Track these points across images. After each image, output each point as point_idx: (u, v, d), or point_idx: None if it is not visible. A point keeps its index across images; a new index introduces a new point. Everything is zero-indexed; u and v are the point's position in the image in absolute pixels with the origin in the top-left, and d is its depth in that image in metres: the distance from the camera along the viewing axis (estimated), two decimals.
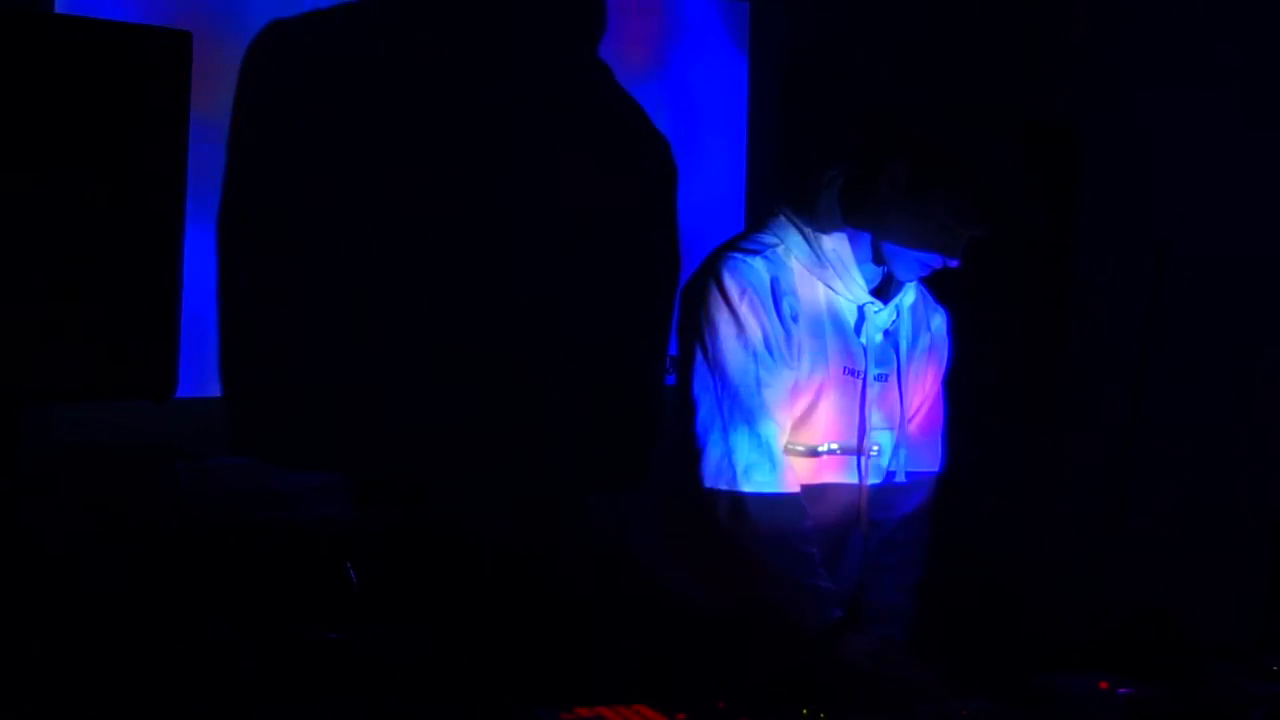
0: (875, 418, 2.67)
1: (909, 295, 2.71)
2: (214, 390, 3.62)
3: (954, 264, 2.57)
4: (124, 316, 2.68)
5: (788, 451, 2.58)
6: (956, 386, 2.84)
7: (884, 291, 2.66)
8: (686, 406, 2.57)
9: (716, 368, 2.54)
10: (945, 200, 2.48)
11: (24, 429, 3.05)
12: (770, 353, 2.54)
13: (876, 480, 2.70)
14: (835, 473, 2.65)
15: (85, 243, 2.64)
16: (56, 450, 3.23)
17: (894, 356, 2.69)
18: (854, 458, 2.66)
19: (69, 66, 2.60)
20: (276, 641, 3.08)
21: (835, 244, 2.59)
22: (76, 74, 2.60)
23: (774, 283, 2.56)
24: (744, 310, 2.54)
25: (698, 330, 2.57)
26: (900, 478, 2.73)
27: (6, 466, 2.94)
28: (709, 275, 2.58)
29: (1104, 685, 2.43)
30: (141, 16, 3.32)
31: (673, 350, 2.69)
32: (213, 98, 3.54)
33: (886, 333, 2.68)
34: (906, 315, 2.72)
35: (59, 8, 3.34)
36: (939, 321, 2.80)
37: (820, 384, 2.61)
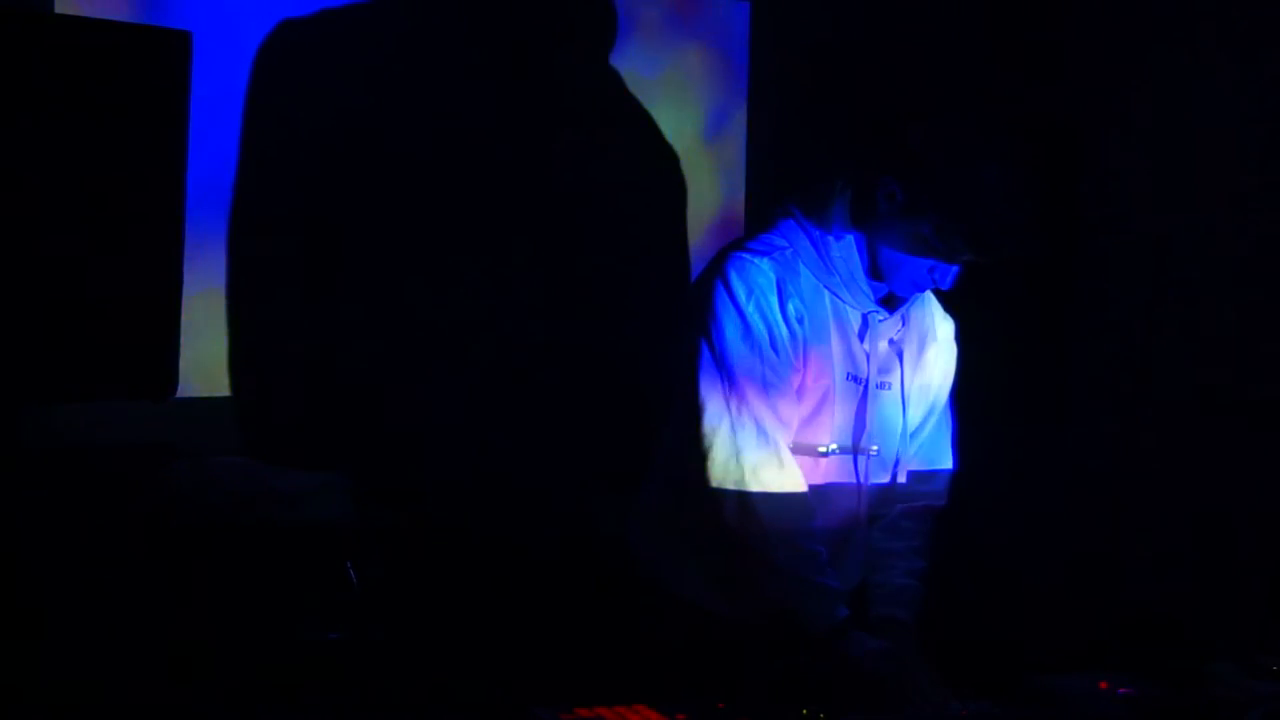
0: (876, 425, 2.67)
1: (916, 305, 2.71)
2: (214, 390, 3.62)
3: (945, 286, 2.57)
4: (124, 316, 2.68)
5: (791, 451, 2.59)
6: (957, 386, 2.84)
7: (890, 301, 2.66)
8: (693, 406, 2.57)
9: (723, 367, 2.55)
10: (935, 226, 2.49)
11: (24, 429, 3.04)
12: (776, 352, 2.55)
13: (876, 482, 2.70)
14: (836, 474, 2.66)
15: (85, 242, 2.63)
16: (56, 450, 3.23)
17: (898, 365, 2.69)
18: (855, 460, 2.67)
19: (69, 66, 2.59)
20: (277, 641, 3.08)
21: (843, 251, 2.60)
22: (76, 74, 2.60)
23: (780, 284, 2.57)
24: (750, 310, 2.54)
25: (704, 329, 2.57)
26: (901, 479, 2.74)
27: (6, 466, 2.94)
28: (716, 274, 2.59)
29: (1104, 685, 2.44)
30: (141, 17, 3.32)
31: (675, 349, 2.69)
32: (213, 98, 3.54)
33: (891, 341, 2.68)
34: (913, 325, 2.72)
35: (59, 8, 3.34)
36: (947, 332, 2.80)
37: (825, 388, 2.61)
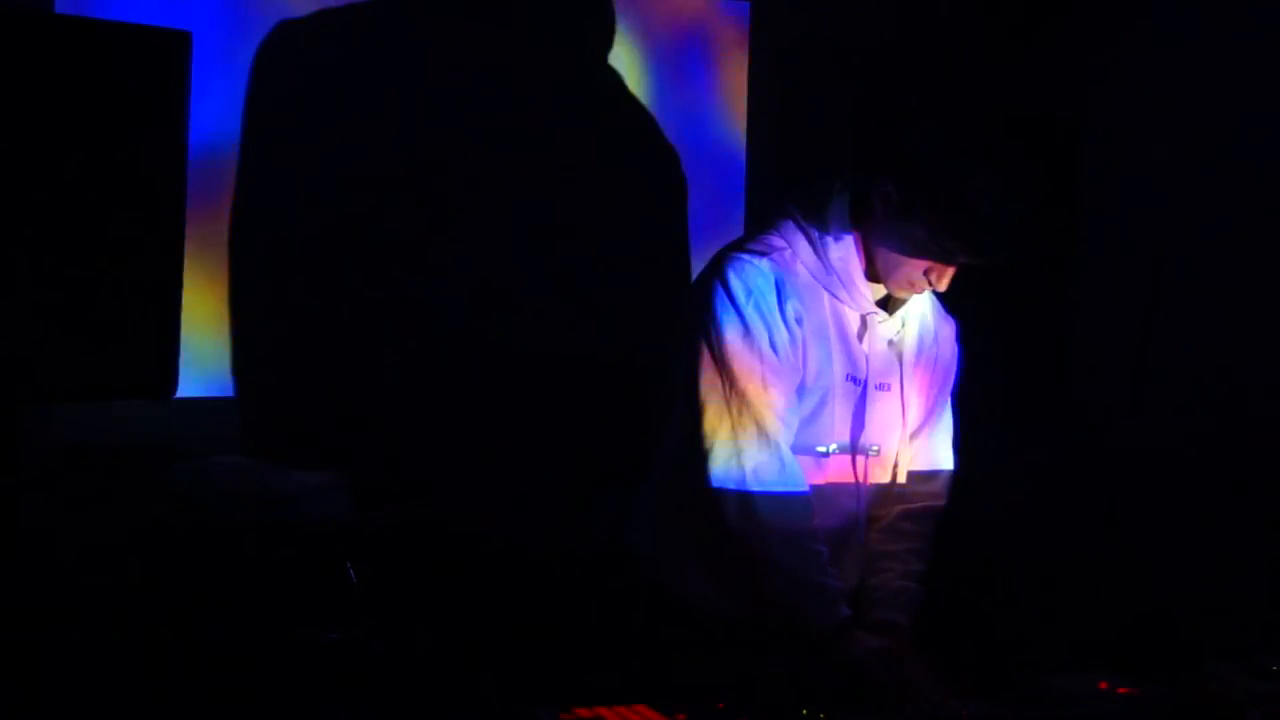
0: (875, 426, 2.67)
1: (916, 306, 2.71)
2: (214, 390, 3.62)
3: (941, 288, 2.58)
4: (124, 316, 2.68)
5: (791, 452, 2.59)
6: (957, 386, 2.84)
7: (889, 302, 2.66)
8: (693, 407, 2.57)
9: (724, 368, 2.55)
10: (930, 228, 2.49)
11: (24, 429, 3.04)
12: (776, 353, 2.55)
13: (876, 482, 2.70)
14: (836, 474, 2.66)
15: (85, 242, 2.63)
16: (56, 450, 3.23)
17: (897, 366, 2.69)
18: (854, 460, 2.67)
19: (69, 66, 2.59)
20: (276, 641, 3.08)
21: (842, 253, 2.60)
22: (76, 74, 2.60)
23: (779, 285, 2.57)
24: (749, 311, 2.54)
25: (704, 331, 2.57)
26: (901, 479, 2.74)
27: (6, 466, 2.94)
28: (715, 276, 2.59)
29: (1104, 685, 2.44)
30: (141, 16, 3.32)
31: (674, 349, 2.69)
32: (213, 98, 3.54)
33: (890, 342, 2.68)
34: (913, 326, 2.72)
35: (59, 8, 3.34)
36: (948, 333, 2.80)
37: (824, 389, 2.61)
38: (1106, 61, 4.30)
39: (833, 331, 2.61)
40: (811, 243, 2.61)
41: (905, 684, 2.43)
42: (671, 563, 2.69)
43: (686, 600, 2.66)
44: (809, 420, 2.62)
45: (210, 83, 3.50)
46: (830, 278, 2.60)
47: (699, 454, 2.56)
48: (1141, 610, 3.80)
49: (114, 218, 2.67)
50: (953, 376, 2.81)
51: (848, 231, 2.60)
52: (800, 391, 2.60)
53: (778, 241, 2.62)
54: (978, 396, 2.89)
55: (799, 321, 2.58)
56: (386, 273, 3.80)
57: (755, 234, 2.67)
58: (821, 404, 2.62)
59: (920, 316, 2.74)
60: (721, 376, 2.55)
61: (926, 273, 2.56)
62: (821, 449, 2.63)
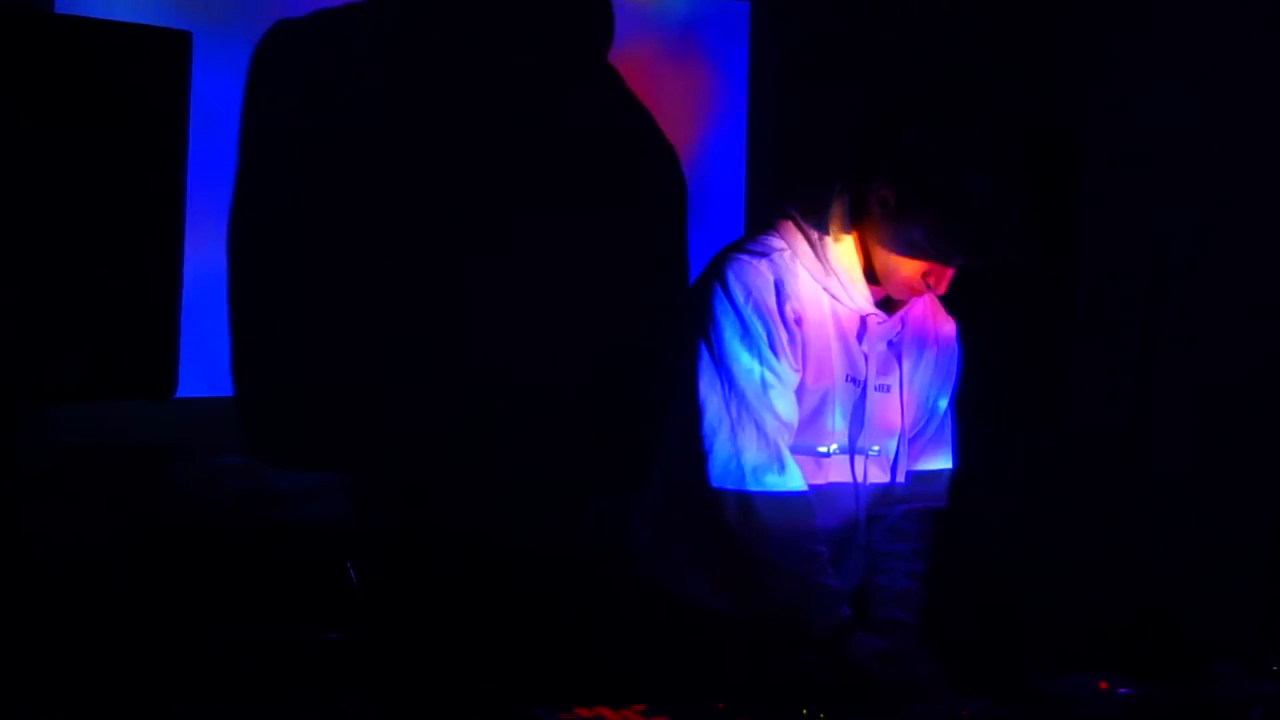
0: (875, 426, 2.67)
1: (915, 306, 2.71)
2: (214, 390, 3.62)
3: (939, 290, 2.58)
4: (124, 316, 2.68)
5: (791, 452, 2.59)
6: (957, 386, 2.84)
7: (889, 303, 2.67)
8: (693, 407, 2.57)
9: (723, 369, 2.55)
10: (926, 230, 2.49)
11: (24, 429, 3.05)
12: (775, 354, 2.55)
13: (875, 483, 2.70)
14: (836, 474, 2.66)
15: (85, 242, 2.64)
16: (56, 450, 3.23)
17: (897, 367, 2.69)
18: (854, 460, 2.67)
19: (69, 66, 2.60)
20: (276, 641, 3.08)
21: (841, 254, 2.60)
22: (76, 74, 2.60)
23: (778, 285, 2.57)
24: (749, 312, 2.55)
25: (704, 331, 2.57)
26: (900, 479, 2.74)
27: (6, 466, 2.94)
28: (714, 277, 2.59)
29: (1104, 685, 2.44)
30: (141, 16, 3.32)
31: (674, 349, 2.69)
32: (213, 98, 3.54)
33: (890, 343, 2.68)
34: (913, 326, 2.72)
35: (59, 8, 3.34)
36: (948, 333, 2.80)
37: (824, 390, 2.61)
38: (1105, 64, 4.30)
39: (832, 332, 2.61)
40: (811, 244, 2.61)
41: (910, 684, 2.43)
42: (671, 563, 2.69)
43: (686, 600, 2.66)
44: (809, 420, 2.62)
45: (210, 83, 3.50)
46: (830, 278, 2.60)
47: (699, 454, 2.56)
48: (1141, 610, 3.80)
49: (114, 218, 2.67)
50: (953, 377, 2.81)
51: (847, 233, 2.60)
52: (800, 392, 2.60)
53: (777, 242, 2.62)
54: (978, 396, 2.89)
55: (799, 322, 2.58)
56: (386, 272, 3.80)
57: (755, 234, 2.67)
58: (821, 404, 2.62)
59: (920, 317, 2.74)
60: (721, 377, 2.55)
61: (925, 275, 2.56)
62: (822, 449, 2.63)
